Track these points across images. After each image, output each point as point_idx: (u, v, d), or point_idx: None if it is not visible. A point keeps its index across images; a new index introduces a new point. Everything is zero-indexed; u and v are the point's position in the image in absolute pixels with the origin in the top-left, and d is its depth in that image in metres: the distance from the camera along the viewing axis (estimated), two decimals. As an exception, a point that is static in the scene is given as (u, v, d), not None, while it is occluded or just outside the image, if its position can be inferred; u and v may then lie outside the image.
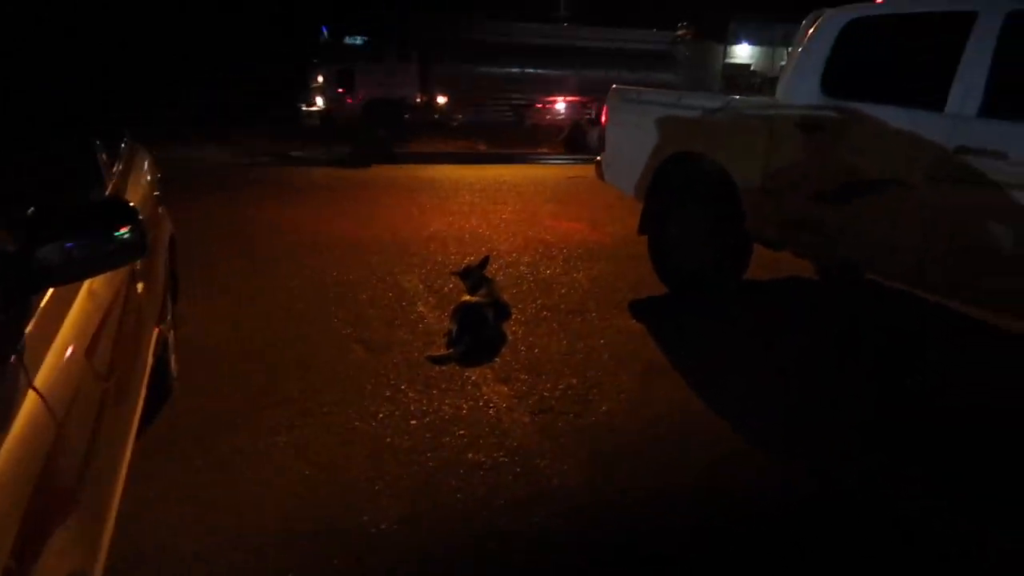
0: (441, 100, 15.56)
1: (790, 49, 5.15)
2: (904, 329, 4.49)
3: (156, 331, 2.87)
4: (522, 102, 16.05)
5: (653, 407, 3.42)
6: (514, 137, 14.67)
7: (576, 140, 14.05)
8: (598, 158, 5.71)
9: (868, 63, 3.98)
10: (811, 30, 4.15)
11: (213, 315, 4.38)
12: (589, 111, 15.38)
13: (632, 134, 5.23)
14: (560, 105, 16.13)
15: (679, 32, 17.03)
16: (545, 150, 13.98)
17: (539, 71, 15.86)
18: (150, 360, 2.69)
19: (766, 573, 2.36)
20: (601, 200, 7.90)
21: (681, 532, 2.52)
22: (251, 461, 2.87)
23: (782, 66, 6.21)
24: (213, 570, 2.26)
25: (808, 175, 4.08)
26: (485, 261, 4.74)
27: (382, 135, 12.02)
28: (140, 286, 2.33)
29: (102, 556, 1.54)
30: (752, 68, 18.79)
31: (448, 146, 13.78)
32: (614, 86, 5.66)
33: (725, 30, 18.33)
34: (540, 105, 16.08)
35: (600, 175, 5.70)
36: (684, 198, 4.87)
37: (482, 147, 13.87)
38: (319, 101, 14.69)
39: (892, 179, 3.64)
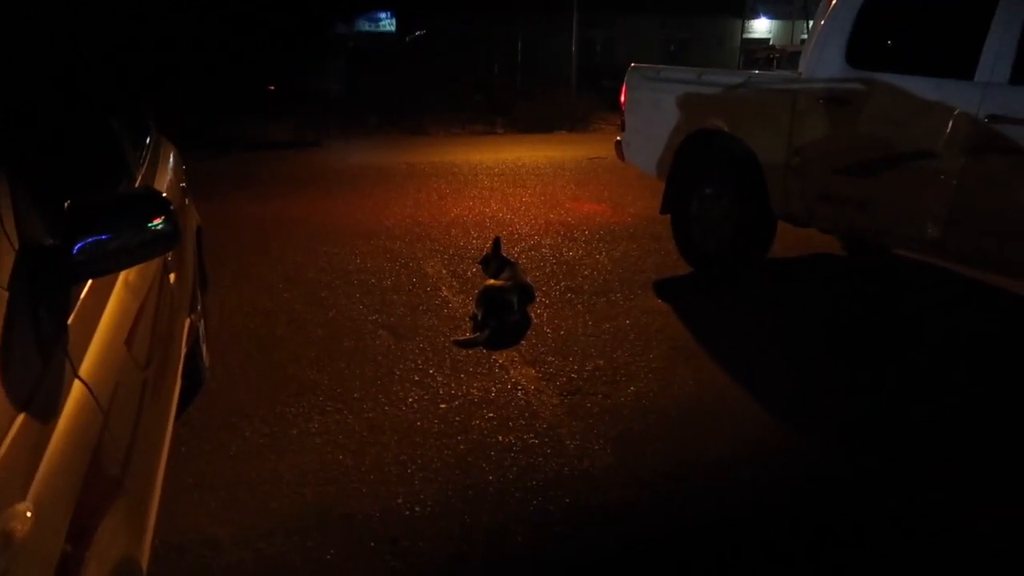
0: None
1: (811, 22, 5.05)
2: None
3: (188, 321, 2.91)
4: None
5: (681, 387, 3.41)
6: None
7: None
8: (618, 138, 5.67)
9: (894, 33, 3.91)
10: (834, 1, 4.07)
11: (238, 305, 4.43)
12: None
13: (652, 113, 5.18)
14: None
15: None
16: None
17: None
18: (183, 350, 2.73)
19: (793, 553, 2.35)
20: (622, 181, 7.86)
21: (711, 511, 2.52)
22: (284, 447, 2.90)
23: (803, 39, 6.08)
24: (252, 555, 2.29)
25: (834, 149, 4.03)
26: (496, 243, 4.72)
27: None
28: (172, 277, 2.35)
29: (148, 541, 1.57)
30: (771, 42, 18.52)
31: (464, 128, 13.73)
32: (632, 64, 5.60)
33: (743, 4, 18.09)
34: None
35: (621, 155, 5.66)
36: (706, 176, 4.82)
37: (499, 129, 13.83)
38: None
39: (920, 150, 3.59)
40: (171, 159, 3.35)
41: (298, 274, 5.07)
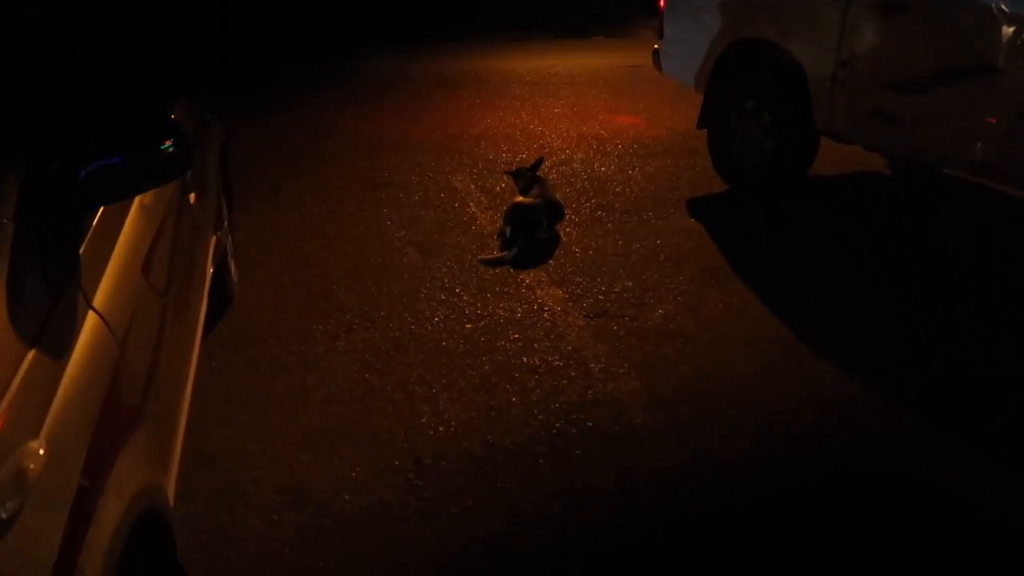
0: None
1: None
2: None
3: (214, 239, 2.91)
4: None
5: (710, 310, 3.35)
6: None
7: None
8: (656, 46, 5.41)
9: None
10: None
11: (267, 221, 4.42)
12: None
13: (691, 20, 4.90)
14: None
15: None
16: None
17: None
18: (209, 269, 2.73)
19: (808, 485, 2.35)
20: (660, 91, 7.54)
21: (732, 439, 2.51)
22: (312, 365, 2.94)
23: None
24: (279, 470, 2.36)
25: (885, 62, 3.78)
26: (538, 163, 4.62)
27: None
28: (192, 196, 2.33)
29: (174, 468, 1.61)
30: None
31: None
32: (674, -35, 5.26)
33: None
34: None
35: (657, 65, 5.41)
36: (747, 89, 4.59)
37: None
38: None
39: (979, 64, 3.34)
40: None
41: (327, 189, 5.02)
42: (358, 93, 8.05)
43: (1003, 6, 3.23)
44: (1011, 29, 3.21)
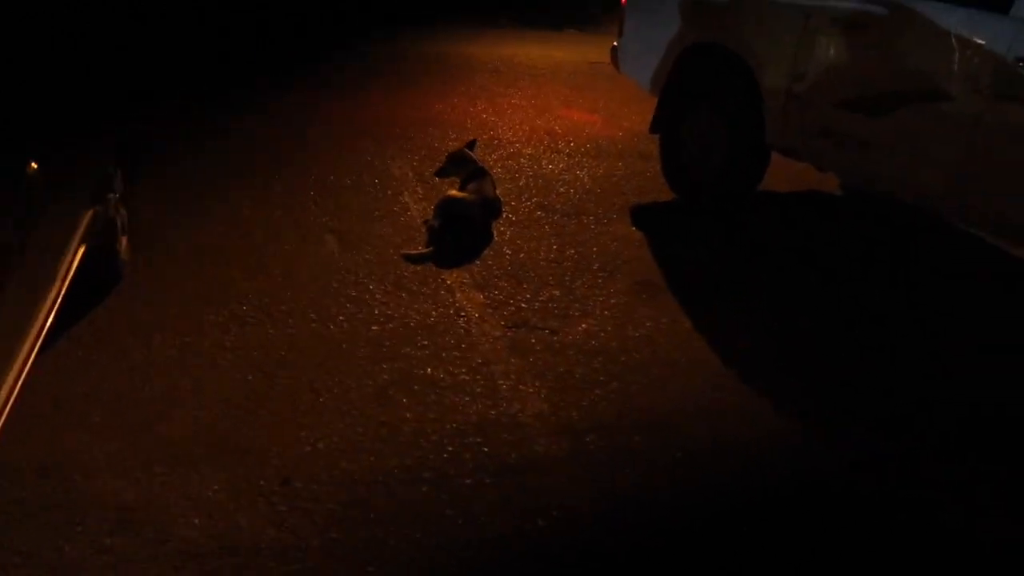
0: None
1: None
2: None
3: (88, 214, 2.61)
4: None
5: (637, 328, 3.14)
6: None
7: None
8: (615, 43, 5.18)
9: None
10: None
11: (176, 198, 4.10)
12: None
13: (651, 18, 4.69)
14: None
15: None
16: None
17: None
18: (75, 246, 2.44)
19: (739, 527, 2.15)
20: (621, 90, 7.30)
21: (639, 474, 2.30)
22: (191, 362, 2.67)
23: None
24: (126, 484, 2.09)
25: (842, 79, 3.61)
26: (471, 144, 4.41)
27: None
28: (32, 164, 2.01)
29: None
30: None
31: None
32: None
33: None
34: None
35: (615, 64, 5.19)
36: (701, 96, 4.39)
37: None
38: None
39: (939, 89, 3.18)
40: None
41: (250, 167, 4.71)
42: (304, 73, 7.67)
43: (962, 33, 3.08)
44: (967, 56, 3.05)
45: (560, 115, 6.50)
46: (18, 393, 1.88)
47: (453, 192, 3.98)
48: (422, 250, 3.65)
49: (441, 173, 4.29)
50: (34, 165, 1.97)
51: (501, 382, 2.69)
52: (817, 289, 3.57)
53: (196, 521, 1.98)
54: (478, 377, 2.71)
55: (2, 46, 2.19)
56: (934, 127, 3.22)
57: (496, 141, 5.62)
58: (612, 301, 3.34)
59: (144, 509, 2.00)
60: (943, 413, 2.66)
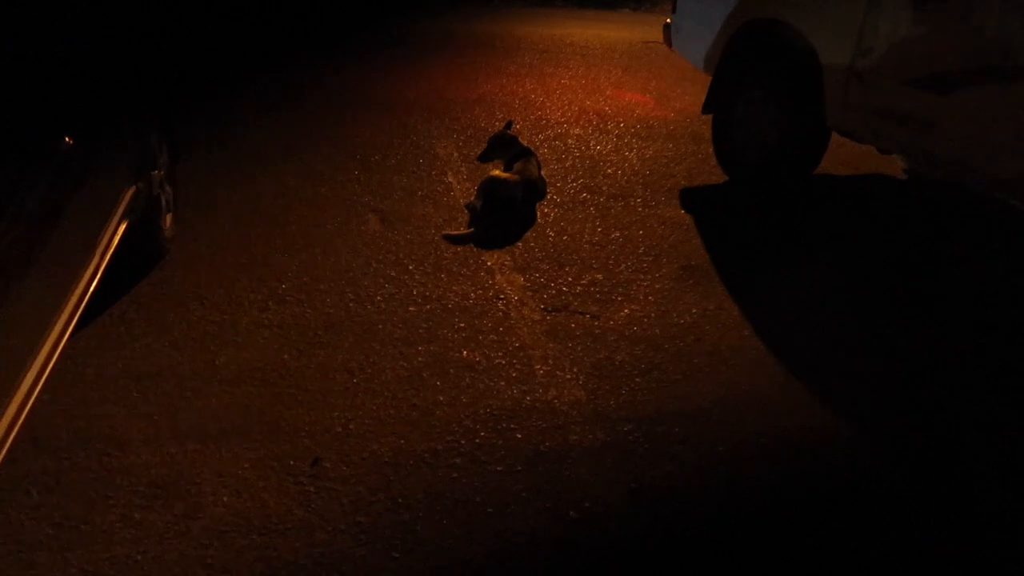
0: None
1: None
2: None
3: (130, 191, 2.62)
4: None
5: (682, 314, 3.03)
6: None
7: None
8: (667, 20, 5.01)
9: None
10: None
11: (225, 174, 4.13)
12: None
13: (706, -7, 4.51)
14: None
15: None
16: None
17: None
18: (116, 223, 2.45)
19: (764, 528, 2.05)
20: (674, 70, 7.15)
21: (688, 470, 2.21)
22: (229, 339, 2.67)
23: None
24: (158, 459, 2.09)
25: (912, 55, 3.39)
26: (508, 126, 4.34)
27: None
28: (67, 140, 2.02)
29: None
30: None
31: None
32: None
33: None
34: None
35: (668, 41, 5.03)
36: (757, 76, 4.21)
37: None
38: None
39: (1019, 66, 2.96)
40: None
41: (298, 144, 4.72)
42: (353, 50, 7.69)
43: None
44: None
45: (610, 95, 6.35)
46: (53, 365, 1.89)
47: (496, 172, 3.91)
48: (463, 231, 3.59)
49: (484, 157, 4.22)
50: (69, 140, 1.97)
51: (538, 367, 2.62)
52: (876, 281, 3.39)
53: (225, 499, 1.97)
54: (514, 361, 2.65)
55: (44, 31, 2.20)
56: (1012, 107, 3.00)
57: (544, 121, 5.52)
58: (657, 286, 3.23)
59: (175, 484, 2.00)
60: (1012, 416, 2.49)
